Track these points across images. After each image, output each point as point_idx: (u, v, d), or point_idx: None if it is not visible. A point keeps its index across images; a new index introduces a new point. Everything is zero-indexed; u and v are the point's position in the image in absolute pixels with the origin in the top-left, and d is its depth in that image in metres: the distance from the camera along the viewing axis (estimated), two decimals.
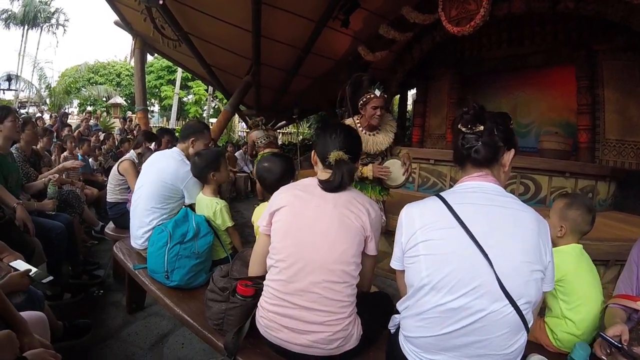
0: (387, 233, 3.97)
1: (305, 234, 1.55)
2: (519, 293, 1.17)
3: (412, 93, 12.97)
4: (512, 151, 1.38)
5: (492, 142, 1.34)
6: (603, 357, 1.58)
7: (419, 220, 1.33)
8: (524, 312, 1.19)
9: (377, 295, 1.99)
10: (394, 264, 1.43)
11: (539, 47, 8.11)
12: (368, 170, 3.10)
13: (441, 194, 1.37)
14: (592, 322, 1.81)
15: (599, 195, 5.73)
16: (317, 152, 1.75)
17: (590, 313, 1.81)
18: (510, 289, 1.16)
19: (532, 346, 1.81)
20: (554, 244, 1.91)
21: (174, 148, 2.85)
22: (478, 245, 1.20)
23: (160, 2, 6.25)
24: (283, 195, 1.67)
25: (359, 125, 3.19)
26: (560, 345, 1.84)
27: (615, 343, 1.51)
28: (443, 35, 7.58)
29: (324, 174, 1.69)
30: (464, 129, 1.36)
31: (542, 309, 1.94)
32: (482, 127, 1.33)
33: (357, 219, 1.57)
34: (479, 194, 1.32)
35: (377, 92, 3.05)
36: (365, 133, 3.18)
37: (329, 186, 1.61)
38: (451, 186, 5.51)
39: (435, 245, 1.26)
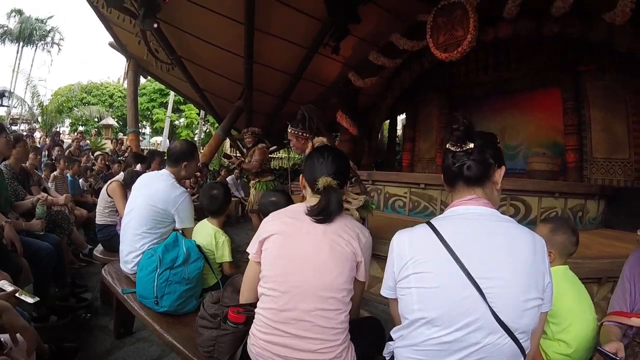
0: (375, 256, 3.92)
1: (295, 262, 1.53)
2: (515, 324, 1.15)
3: (401, 118, 13.11)
4: (503, 168, 1.35)
5: (484, 159, 1.30)
6: None
7: (409, 250, 1.30)
8: (521, 341, 1.17)
9: (368, 321, 1.96)
10: (386, 292, 1.41)
11: (525, 70, 8.35)
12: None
13: (432, 221, 1.33)
14: (583, 340, 1.82)
15: (588, 214, 5.78)
16: (305, 177, 1.73)
17: (581, 332, 1.82)
18: (506, 321, 1.14)
19: None
20: None
21: (164, 170, 2.81)
22: (470, 277, 1.16)
23: (155, 25, 6.33)
24: (272, 222, 1.64)
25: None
26: None
27: (613, 356, 1.50)
28: (431, 61, 7.76)
29: (313, 199, 1.66)
30: (453, 148, 1.32)
31: None
32: (472, 145, 1.29)
33: (348, 244, 1.55)
34: (472, 220, 1.28)
35: (289, 129, 3.67)
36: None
37: (316, 215, 1.57)
38: (442, 210, 5.57)
39: (427, 277, 1.22)
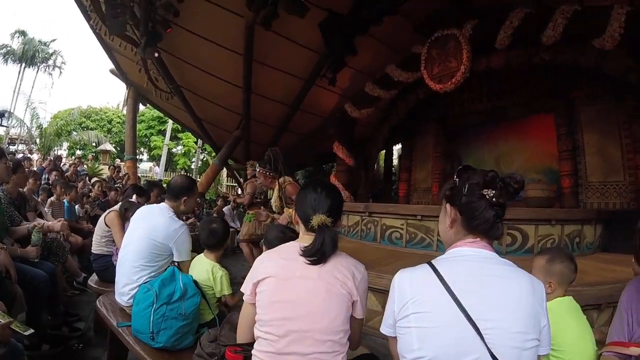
0: (372, 290, 3.88)
1: (291, 307, 1.51)
2: None
3: (397, 148, 13.21)
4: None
5: (502, 214, 1.32)
6: None
7: (410, 289, 1.30)
8: None
9: (366, 358, 1.94)
10: (386, 329, 1.39)
11: (518, 98, 8.46)
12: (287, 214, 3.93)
13: (433, 262, 1.33)
14: None
15: (586, 239, 5.75)
16: (298, 213, 1.71)
17: None
18: None
19: None
20: None
21: (163, 204, 2.84)
22: (469, 318, 1.17)
23: (156, 54, 6.46)
24: (266, 264, 1.61)
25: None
26: None
27: None
28: (426, 91, 7.86)
29: (307, 237, 1.64)
30: (496, 200, 1.29)
31: None
32: (509, 197, 1.30)
33: (343, 285, 1.54)
34: (474, 263, 1.28)
35: (257, 168, 4.36)
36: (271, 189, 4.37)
37: (311, 257, 1.54)
38: (439, 242, 5.55)
39: (427, 317, 1.23)
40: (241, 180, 7.28)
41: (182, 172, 25.82)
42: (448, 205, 1.40)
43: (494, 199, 1.28)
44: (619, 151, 7.05)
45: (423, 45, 7.10)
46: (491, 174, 1.32)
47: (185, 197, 2.82)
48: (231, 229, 8.21)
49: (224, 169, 11.99)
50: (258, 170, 4.10)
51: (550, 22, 5.58)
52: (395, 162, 14.19)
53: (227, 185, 18.97)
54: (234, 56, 7.15)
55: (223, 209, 9.50)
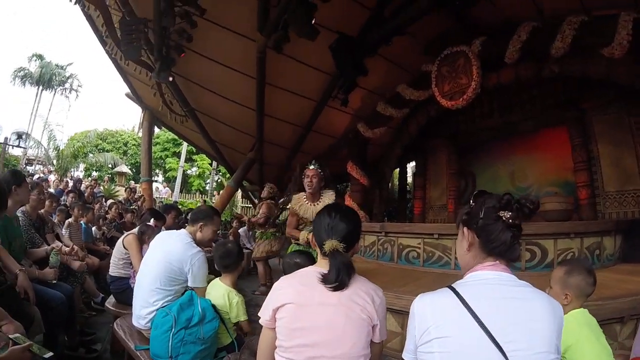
0: (390, 310, 3.81)
1: (312, 333, 1.52)
2: None
3: (411, 166, 13.19)
4: None
5: (519, 236, 1.34)
6: None
7: (431, 315, 1.30)
8: None
9: None
10: (407, 356, 1.38)
11: (529, 112, 8.42)
12: (303, 237, 3.75)
13: (454, 285, 1.34)
14: None
15: (605, 251, 5.63)
16: (315, 237, 1.72)
17: None
18: None
19: None
20: None
21: (182, 230, 2.88)
22: (494, 341, 1.18)
23: (170, 78, 6.59)
24: (285, 290, 1.62)
25: (304, 198, 3.97)
26: None
27: None
28: (438, 109, 7.86)
29: (323, 262, 1.65)
30: (512, 221, 1.31)
31: None
32: (525, 219, 1.32)
33: (363, 310, 1.54)
34: (495, 286, 1.30)
35: (312, 166, 3.85)
36: (308, 204, 3.91)
37: (327, 284, 1.55)
38: (456, 260, 5.49)
39: (450, 342, 1.23)
40: (256, 201, 7.28)
41: (197, 194, 25.98)
42: (465, 229, 1.42)
43: (510, 220, 1.30)
44: (635, 159, 6.94)
45: (433, 63, 7.15)
46: (506, 197, 1.34)
47: (202, 223, 2.84)
48: (247, 250, 8.25)
49: (239, 191, 12.08)
50: (312, 168, 3.84)
51: (559, 34, 5.59)
52: (409, 180, 14.16)
53: (242, 207, 19.05)
54: (246, 79, 7.26)
55: (239, 231, 9.51)
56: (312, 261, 2.27)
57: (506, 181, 9.05)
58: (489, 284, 1.31)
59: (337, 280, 1.54)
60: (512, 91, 8.30)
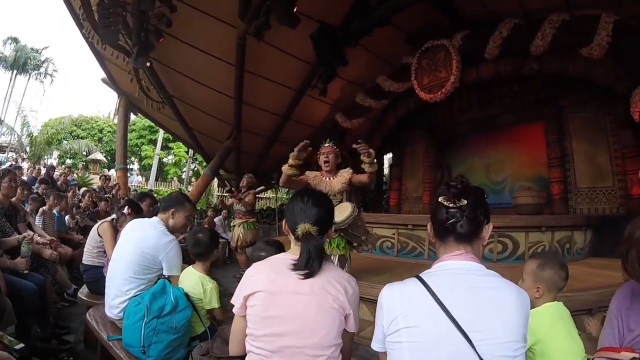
0: (364, 300, 3.93)
1: (283, 322, 1.50)
2: None
3: (388, 157, 13.26)
4: (490, 225, 1.39)
5: (475, 217, 1.34)
6: None
7: (399, 304, 1.30)
8: None
9: None
10: (376, 345, 1.39)
11: (507, 107, 8.59)
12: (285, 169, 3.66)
13: (421, 275, 1.34)
14: None
15: (576, 245, 5.83)
16: (287, 223, 1.70)
17: None
18: None
19: None
20: (532, 305, 1.96)
21: (155, 218, 2.83)
22: (461, 331, 1.18)
23: (148, 64, 6.45)
24: (257, 277, 1.60)
25: (320, 174, 3.92)
26: None
27: None
28: (416, 101, 7.96)
29: (295, 248, 1.64)
30: (447, 203, 1.35)
31: None
32: (465, 202, 1.32)
33: (336, 300, 1.53)
34: (461, 275, 1.30)
35: (326, 143, 3.84)
36: (324, 177, 3.86)
37: (301, 270, 1.53)
38: (430, 251, 5.56)
39: (418, 332, 1.23)
40: (233, 189, 7.18)
41: (174, 182, 25.69)
42: (429, 223, 1.46)
43: (445, 203, 1.35)
44: (608, 157, 7.17)
45: (413, 55, 7.19)
46: (445, 182, 1.40)
47: (173, 210, 2.80)
48: (222, 240, 8.18)
49: (215, 180, 11.97)
50: (327, 145, 3.79)
51: (539, 32, 5.66)
52: (386, 171, 14.24)
53: (218, 196, 18.96)
54: (225, 66, 7.18)
55: (214, 220, 9.45)
56: (280, 251, 2.22)
57: (481, 174, 9.25)
58: (456, 273, 1.31)
59: (308, 266, 1.53)
60: (491, 86, 8.43)
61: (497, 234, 5.47)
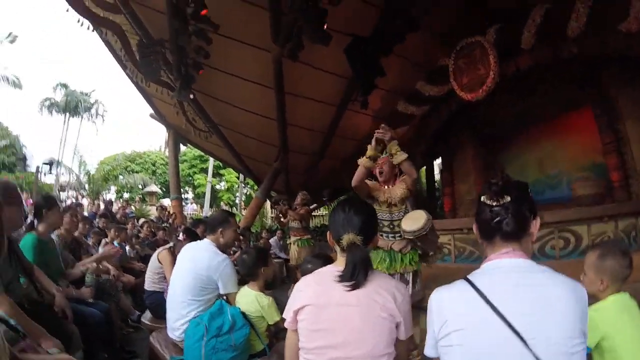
0: (425, 309, 3.85)
1: (332, 334, 1.51)
2: None
3: (437, 163, 13.03)
4: (538, 219, 1.34)
5: (521, 214, 1.30)
6: None
7: (449, 307, 1.30)
8: None
9: None
10: (429, 351, 1.37)
11: (552, 96, 8.15)
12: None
13: (469, 277, 1.32)
14: None
15: None
16: (332, 235, 1.68)
17: None
18: None
19: None
20: (597, 299, 1.90)
21: (205, 240, 2.95)
22: (513, 330, 1.15)
23: (191, 96, 6.72)
24: (304, 292, 1.62)
25: (378, 184, 3.69)
26: None
27: None
28: (458, 102, 7.78)
29: (341, 259, 1.62)
30: (490, 202, 1.32)
31: None
32: (508, 198, 1.29)
33: (384, 308, 1.51)
34: (511, 274, 1.26)
35: (382, 155, 3.60)
36: (382, 186, 3.64)
37: (347, 281, 1.53)
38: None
39: (469, 334, 1.21)
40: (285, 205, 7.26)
41: (226, 207, 26.27)
42: (474, 224, 1.45)
43: (487, 202, 1.33)
44: None
45: (449, 57, 7.09)
46: (489, 180, 1.37)
47: (221, 229, 2.91)
48: (279, 260, 8.25)
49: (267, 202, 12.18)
50: (382, 156, 3.59)
51: (573, 13, 5.47)
52: (437, 177, 13.97)
53: (271, 217, 19.25)
54: (265, 90, 7.34)
55: (269, 241, 9.57)
56: (327, 263, 2.26)
57: (535, 170, 8.84)
58: (505, 272, 1.28)
59: (353, 277, 1.52)
60: (531, 76, 8.14)
61: (558, 229, 5.26)
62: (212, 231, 2.94)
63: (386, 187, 3.62)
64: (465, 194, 10.14)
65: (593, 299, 1.87)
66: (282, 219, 7.47)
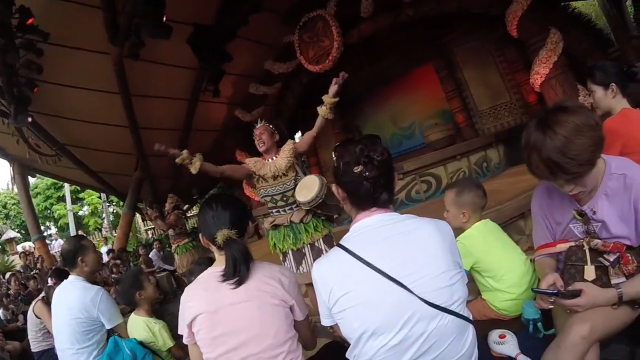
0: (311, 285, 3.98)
1: (233, 335, 1.50)
2: (449, 301, 1.23)
3: (298, 136, 13.38)
4: (396, 175, 1.42)
5: (392, 183, 1.38)
6: (549, 306, 1.59)
7: (330, 276, 1.33)
8: (461, 312, 1.25)
9: (330, 348, 1.96)
10: (325, 321, 1.41)
11: (396, 57, 8.93)
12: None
13: (342, 242, 1.37)
14: (520, 281, 1.97)
15: (492, 162, 6.31)
16: (204, 235, 1.66)
17: (516, 275, 1.97)
18: (440, 303, 1.21)
19: (487, 323, 1.94)
20: (463, 230, 2.10)
21: (71, 277, 2.65)
22: (394, 280, 1.22)
23: (29, 119, 6.06)
24: (192, 302, 1.58)
25: (261, 159, 3.40)
26: (507, 312, 1.97)
27: (551, 292, 1.53)
28: (308, 75, 8.03)
29: (221, 258, 1.62)
30: (367, 174, 1.32)
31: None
32: (384, 171, 1.34)
33: (274, 295, 1.55)
34: (377, 229, 1.34)
35: (258, 124, 3.38)
36: (266, 160, 3.35)
37: (231, 279, 1.53)
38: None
39: (355, 295, 1.26)
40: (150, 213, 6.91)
41: (95, 233, 24.32)
42: (334, 185, 1.47)
43: (364, 174, 1.32)
44: (499, 76, 7.85)
45: (294, 33, 7.28)
46: (358, 148, 1.34)
47: (80, 257, 2.62)
48: (165, 272, 7.85)
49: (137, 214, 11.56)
50: (258, 125, 3.33)
51: None
52: None
53: (145, 230, 18.28)
54: (112, 97, 6.87)
55: (149, 256, 9.06)
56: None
57: (390, 125, 9.73)
58: (373, 229, 1.35)
59: (237, 273, 1.53)
60: (376, 41, 8.65)
61: (419, 175, 5.75)
62: (72, 265, 2.63)
63: (269, 159, 3.36)
64: (329, 161, 10.60)
65: (460, 231, 2.08)
66: (157, 230, 7.15)
